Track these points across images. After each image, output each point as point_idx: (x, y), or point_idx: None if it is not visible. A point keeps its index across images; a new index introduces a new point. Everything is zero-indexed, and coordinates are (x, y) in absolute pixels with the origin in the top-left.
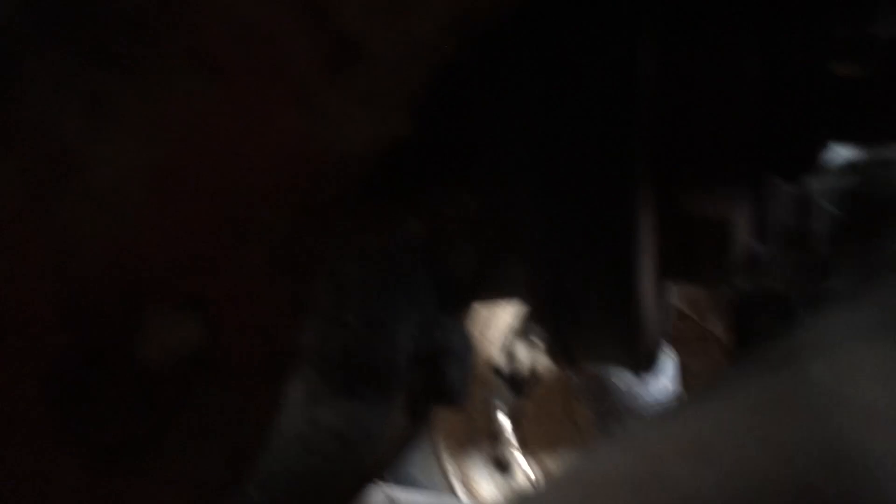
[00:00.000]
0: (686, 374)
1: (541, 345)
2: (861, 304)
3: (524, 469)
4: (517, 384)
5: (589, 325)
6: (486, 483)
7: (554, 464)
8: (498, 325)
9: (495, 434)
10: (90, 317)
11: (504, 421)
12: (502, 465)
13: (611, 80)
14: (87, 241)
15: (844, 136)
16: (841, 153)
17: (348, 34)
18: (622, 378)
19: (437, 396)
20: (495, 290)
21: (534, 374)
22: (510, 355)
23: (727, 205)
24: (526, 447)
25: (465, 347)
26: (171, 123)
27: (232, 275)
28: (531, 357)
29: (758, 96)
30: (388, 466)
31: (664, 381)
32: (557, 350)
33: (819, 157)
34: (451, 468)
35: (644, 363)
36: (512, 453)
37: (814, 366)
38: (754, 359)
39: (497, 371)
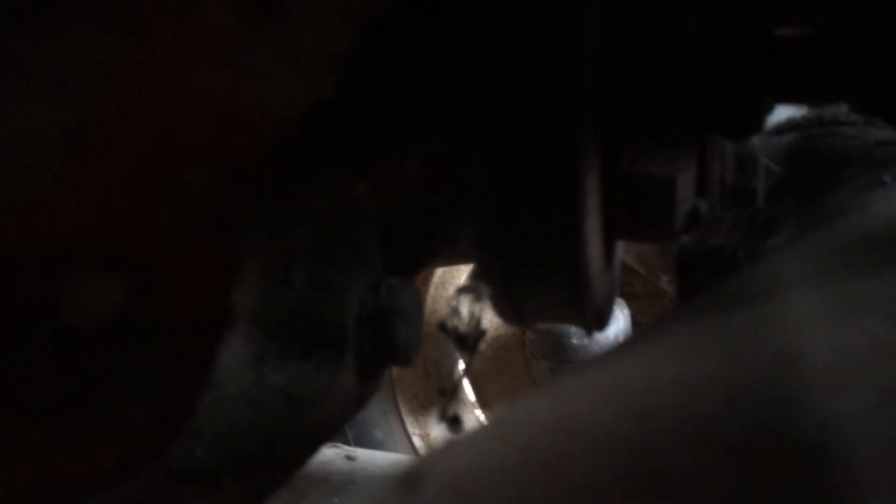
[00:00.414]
0: (638, 327)
1: (487, 301)
2: (789, 255)
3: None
4: (463, 340)
5: (537, 282)
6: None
7: None
8: (455, 283)
9: (446, 388)
10: (8, 279)
11: (456, 375)
12: (452, 420)
13: (556, 36)
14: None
15: (788, 97)
16: (782, 111)
17: None
18: (577, 334)
19: (387, 356)
20: (445, 251)
21: (481, 330)
22: (456, 312)
23: (672, 163)
24: (485, 405)
25: (413, 306)
26: (82, 80)
27: (158, 234)
28: (478, 314)
29: (701, 56)
30: (338, 427)
31: (618, 335)
32: (506, 308)
33: (764, 117)
34: (411, 427)
35: (594, 322)
36: (472, 411)
37: (735, 314)
38: (684, 308)
39: (443, 327)
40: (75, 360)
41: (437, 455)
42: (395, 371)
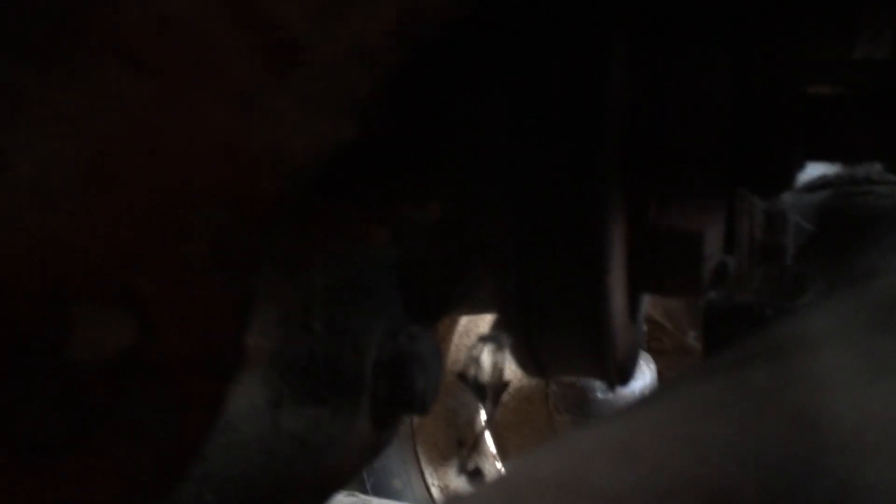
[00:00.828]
0: None
1: (509, 351)
2: (815, 313)
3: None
4: (482, 390)
5: (559, 336)
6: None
7: None
8: (477, 333)
9: (474, 443)
10: (14, 313)
11: (477, 427)
12: (475, 476)
13: (581, 89)
14: (10, 237)
15: (819, 154)
16: (816, 168)
17: (289, 36)
18: (602, 388)
19: (403, 404)
20: (467, 300)
21: (503, 381)
22: (477, 361)
23: (699, 218)
24: (506, 456)
25: (431, 355)
26: (97, 118)
27: (168, 271)
28: (500, 363)
29: (729, 112)
30: (353, 474)
31: (644, 390)
32: (527, 359)
33: (794, 175)
34: (431, 479)
35: (616, 376)
36: (492, 463)
37: (756, 372)
38: (703, 365)
39: (462, 377)
40: (79, 396)
41: None
42: (416, 420)
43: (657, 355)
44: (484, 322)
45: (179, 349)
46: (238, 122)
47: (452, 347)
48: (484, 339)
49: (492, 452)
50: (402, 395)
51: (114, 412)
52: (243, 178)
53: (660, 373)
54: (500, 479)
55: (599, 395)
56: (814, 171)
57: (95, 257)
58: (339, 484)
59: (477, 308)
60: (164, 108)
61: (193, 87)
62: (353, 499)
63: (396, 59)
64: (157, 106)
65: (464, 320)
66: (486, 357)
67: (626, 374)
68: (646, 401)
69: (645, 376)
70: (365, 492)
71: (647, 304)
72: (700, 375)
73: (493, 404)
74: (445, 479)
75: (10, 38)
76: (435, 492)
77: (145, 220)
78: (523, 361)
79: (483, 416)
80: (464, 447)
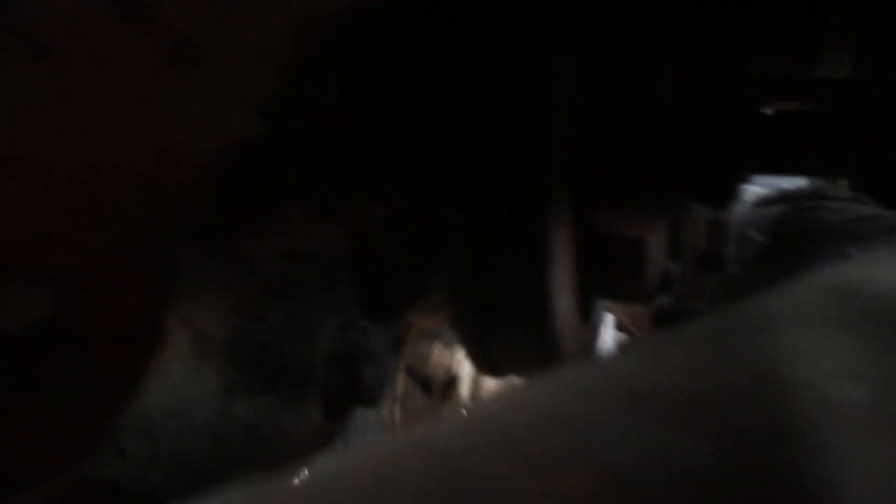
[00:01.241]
0: None
1: (457, 347)
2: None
3: None
4: (428, 383)
5: (507, 336)
6: None
7: None
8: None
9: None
10: None
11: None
12: None
13: (527, 97)
14: None
15: (767, 169)
16: (775, 183)
17: (183, 37)
18: None
19: (353, 396)
20: (423, 301)
21: (451, 377)
22: (423, 357)
23: (644, 225)
24: None
25: (383, 349)
26: (8, 108)
27: (85, 251)
28: (447, 358)
29: (676, 126)
30: (301, 462)
31: None
32: (478, 357)
33: (737, 188)
34: None
35: None
36: None
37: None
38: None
39: (409, 370)
40: (2, 364)
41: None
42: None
43: None
44: None
45: (98, 322)
46: (143, 116)
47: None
48: (431, 335)
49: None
50: (352, 388)
51: (36, 379)
52: (154, 167)
53: None
54: (506, 402)
55: None
56: (773, 185)
57: (13, 238)
58: (287, 470)
59: (436, 309)
60: (70, 99)
61: (96, 80)
62: None
63: (298, 57)
64: (64, 97)
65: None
66: (433, 352)
67: None
68: (645, 345)
69: None
70: None
71: (604, 308)
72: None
73: (441, 398)
74: None
75: None
76: None
77: (61, 204)
78: (475, 359)
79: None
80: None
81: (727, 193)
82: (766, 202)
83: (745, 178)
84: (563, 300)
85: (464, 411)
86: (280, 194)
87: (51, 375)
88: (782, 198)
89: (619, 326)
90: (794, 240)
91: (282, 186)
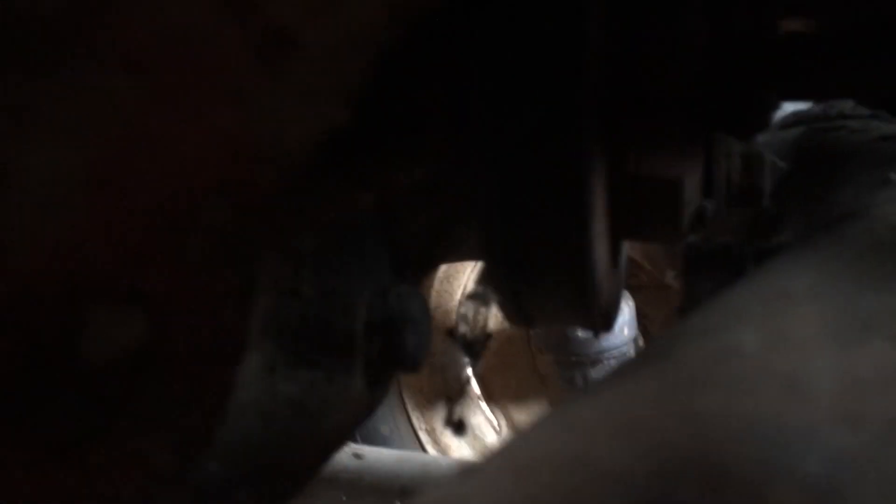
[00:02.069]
0: (644, 320)
1: (495, 305)
2: (796, 264)
3: (489, 421)
4: (472, 345)
5: (543, 287)
6: (452, 437)
7: (519, 413)
8: (459, 278)
9: (452, 394)
10: (31, 318)
11: (463, 379)
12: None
13: (558, 42)
14: (21, 247)
15: (794, 94)
16: (788, 105)
17: (280, 27)
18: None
19: (396, 362)
20: (453, 253)
21: (487, 334)
22: (464, 318)
23: (678, 164)
24: (491, 399)
25: (421, 313)
26: (100, 125)
27: (173, 268)
28: (484, 319)
29: (705, 55)
30: (349, 433)
31: (623, 327)
32: (513, 312)
33: (770, 116)
34: (418, 423)
35: (601, 323)
36: (477, 406)
37: (743, 334)
38: (689, 324)
39: (451, 333)
40: (96, 393)
41: (446, 491)
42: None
43: (635, 291)
44: (464, 268)
45: (188, 341)
46: (234, 116)
47: (434, 294)
48: (471, 296)
49: (476, 395)
50: (395, 354)
51: (130, 405)
52: (241, 170)
53: (638, 309)
54: (504, 455)
55: (580, 333)
56: (787, 107)
57: (103, 260)
58: (338, 444)
59: (462, 258)
60: (162, 110)
61: (190, 87)
62: (343, 448)
63: (388, 40)
64: (156, 108)
65: (444, 267)
66: (473, 313)
67: (609, 321)
68: (637, 367)
69: (624, 313)
70: (354, 440)
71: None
72: (687, 337)
73: (478, 357)
74: (432, 423)
75: (14, 53)
76: (422, 436)
77: (149, 219)
78: (510, 313)
79: (468, 368)
80: (450, 400)
81: (758, 122)
82: (782, 125)
83: (775, 106)
84: (601, 248)
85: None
86: (321, 167)
87: (147, 400)
88: (798, 119)
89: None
90: (816, 164)
91: (333, 164)
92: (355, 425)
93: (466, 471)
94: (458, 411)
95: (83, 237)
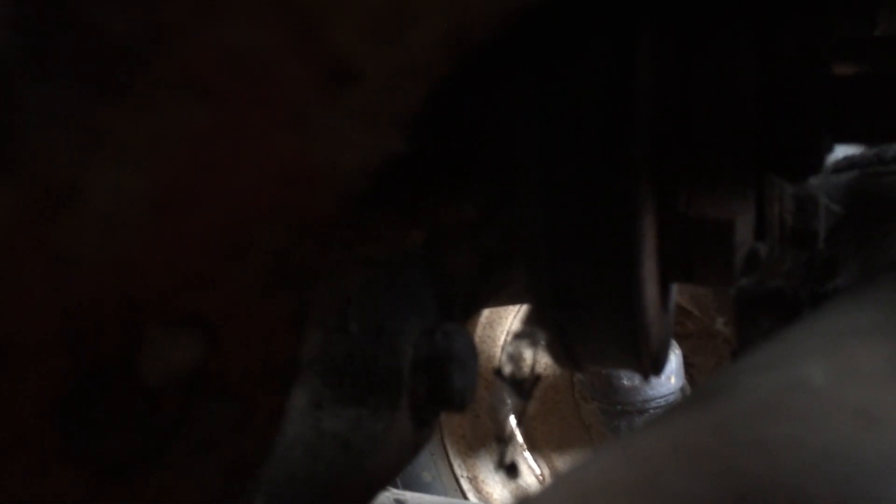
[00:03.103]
0: (691, 369)
1: (543, 346)
2: (860, 301)
3: (532, 469)
4: (519, 386)
5: (592, 328)
6: (495, 484)
7: (563, 463)
8: (503, 324)
9: (503, 435)
10: (91, 337)
11: (511, 422)
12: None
13: (609, 82)
14: (86, 266)
15: (847, 136)
16: (840, 149)
17: (344, 56)
18: (628, 375)
19: (442, 402)
20: (499, 295)
21: (536, 375)
22: (512, 357)
23: (729, 205)
24: (534, 447)
25: (468, 352)
26: (167, 148)
27: (231, 291)
28: (533, 358)
29: (757, 96)
30: (394, 473)
31: (670, 376)
32: (561, 353)
33: (824, 159)
34: (460, 470)
35: (651, 367)
36: (521, 454)
37: (810, 367)
38: (751, 359)
39: (498, 373)
40: (152, 415)
41: None
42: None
43: (681, 339)
44: (507, 313)
45: (243, 364)
46: (295, 143)
47: (476, 339)
48: (519, 335)
49: (520, 444)
50: (441, 393)
51: (184, 428)
52: (299, 196)
53: (685, 357)
54: (567, 482)
55: (626, 382)
56: (839, 152)
57: (163, 281)
58: (383, 483)
59: (507, 301)
60: (227, 135)
61: (255, 113)
62: (385, 493)
63: (446, 71)
64: (221, 133)
65: (486, 311)
66: (521, 353)
67: (659, 364)
68: (702, 398)
69: (671, 362)
70: (395, 485)
71: (676, 291)
72: (752, 372)
73: (527, 399)
74: (474, 471)
75: (91, 76)
76: (464, 483)
77: (209, 242)
78: (557, 355)
79: (510, 407)
80: (501, 443)
81: (812, 164)
82: (835, 169)
83: (829, 148)
84: (651, 290)
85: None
86: (373, 201)
87: (200, 424)
88: (852, 164)
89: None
90: (871, 208)
91: (383, 197)
92: (401, 465)
93: (524, 499)
94: (510, 453)
95: (144, 257)
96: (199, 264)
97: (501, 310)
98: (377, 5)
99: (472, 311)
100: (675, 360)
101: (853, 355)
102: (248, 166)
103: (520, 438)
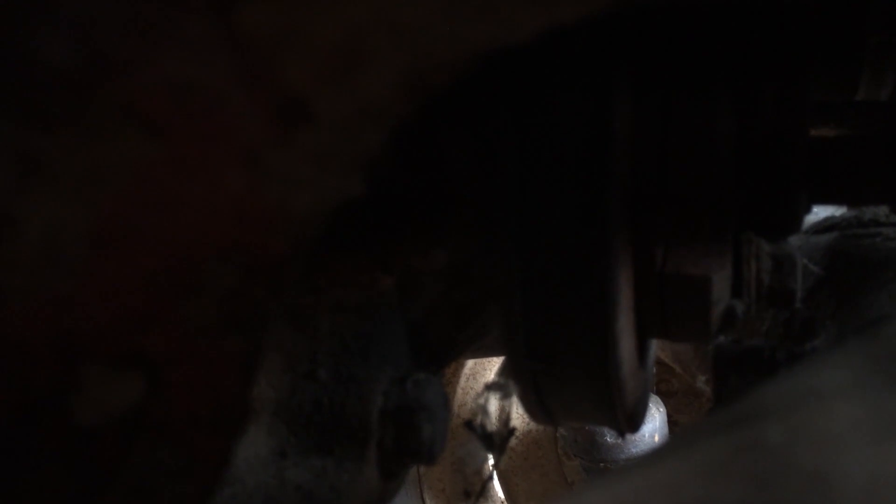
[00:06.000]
0: (675, 427)
1: (515, 399)
2: (827, 363)
3: None
4: (491, 440)
5: (566, 382)
6: None
7: None
8: (486, 376)
9: (471, 489)
10: (23, 375)
11: (484, 475)
12: None
13: (585, 133)
14: (17, 301)
15: (825, 197)
16: (821, 210)
17: (296, 95)
18: (612, 432)
19: (410, 453)
20: (475, 345)
21: (510, 429)
22: (484, 410)
23: (706, 262)
24: (514, 502)
25: (439, 402)
26: (109, 182)
27: (176, 332)
28: (505, 411)
29: (735, 155)
30: None
31: (654, 434)
32: (535, 407)
33: (801, 218)
34: None
35: (626, 424)
36: None
37: (768, 429)
38: (713, 417)
39: (469, 425)
40: (87, 458)
41: None
42: (423, 466)
43: (666, 397)
44: (492, 364)
45: (187, 407)
46: (246, 181)
47: (459, 391)
48: (490, 386)
49: (500, 499)
50: (410, 444)
51: (123, 472)
52: (251, 236)
53: (669, 416)
54: None
55: (609, 439)
56: (820, 213)
57: (102, 318)
58: None
59: (484, 352)
60: (173, 170)
61: (203, 149)
62: None
63: (405, 114)
64: (167, 168)
65: (470, 363)
66: (493, 405)
67: (636, 421)
68: (657, 457)
69: (654, 419)
70: None
71: (656, 347)
72: (711, 431)
73: (500, 452)
74: None
75: (26, 105)
76: None
77: (153, 280)
78: (531, 409)
79: (490, 463)
80: (471, 496)
81: (789, 224)
82: (815, 230)
83: (807, 208)
84: (626, 345)
85: None
86: (342, 247)
87: (140, 467)
88: (831, 225)
89: (657, 361)
90: (850, 270)
91: (348, 241)
92: None
93: None
94: None
95: (82, 294)
96: (142, 303)
97: (486, 361)
98: (330, 45)
99: (446, 361)
100: (659, 417)
101: (813, 416)
102: (195, 203)
103: (500, 493)
